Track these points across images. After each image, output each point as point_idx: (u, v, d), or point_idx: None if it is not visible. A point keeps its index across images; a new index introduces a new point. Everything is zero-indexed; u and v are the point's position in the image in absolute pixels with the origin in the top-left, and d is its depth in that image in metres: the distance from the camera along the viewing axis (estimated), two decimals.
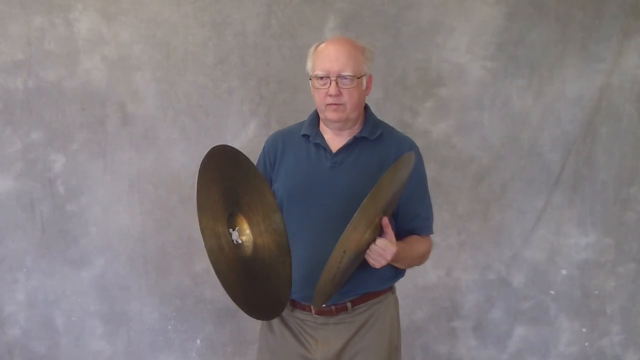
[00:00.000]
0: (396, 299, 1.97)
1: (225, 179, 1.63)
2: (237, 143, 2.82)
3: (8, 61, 2.80)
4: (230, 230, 1.63)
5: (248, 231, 1.68)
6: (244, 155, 1.71)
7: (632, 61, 2.75)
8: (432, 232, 1.92)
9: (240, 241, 1.65)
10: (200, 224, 1.49)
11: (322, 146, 1.84)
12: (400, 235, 1.82)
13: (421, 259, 1.90)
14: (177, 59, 2.80)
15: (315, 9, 2.75)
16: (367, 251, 1.66)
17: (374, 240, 1.66)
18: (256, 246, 1.68)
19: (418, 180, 1.87)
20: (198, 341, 2.97)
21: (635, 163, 2.81)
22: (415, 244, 1.84)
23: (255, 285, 1.66)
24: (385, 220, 1.66)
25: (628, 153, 2.81)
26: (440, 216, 2.86)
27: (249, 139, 2.81)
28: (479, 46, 2.77)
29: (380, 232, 1.68)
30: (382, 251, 1.65)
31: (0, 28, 2.77)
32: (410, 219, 1.86)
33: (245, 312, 1.59)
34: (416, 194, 1.86)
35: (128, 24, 2.78)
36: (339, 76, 1.74)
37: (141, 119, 2.84)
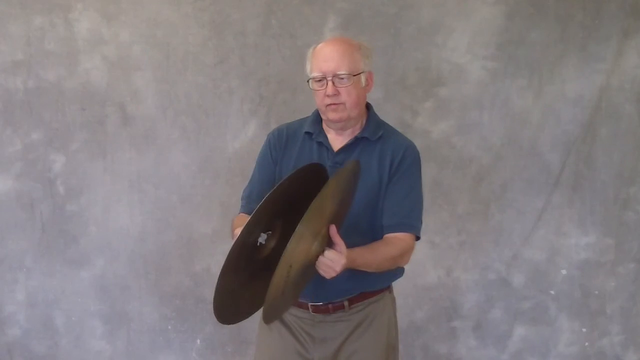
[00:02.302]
0: (393, 298, 1.97)
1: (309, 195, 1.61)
2: (237, 143, 2.82)
3: (8, 61, 2.80)
4: (263, 233, 1.62)
5: (273, 243, 1.65)
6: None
7: (632, 61, 2.75)
8: (413, 232, 1.82)
9: (262, 242, 1.63)
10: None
11: (325, 145, 1.84)
12: (381, 232, 1.80)
13: (393, 261, 1.81)
14: (177, 59, 2.80)
15: (315, 9, 2.75)
16: (317, 262, 1.62)
17: (323, 251, 1.61)
18: (268, 256, 1.66)
19: (404, 177, 1.81)
20: (198, 341, 2.97)
21: (635, 163, 2.81)
22: (381, 247, 1.78)
23: (242, 289, 1.65)
24: (333, 230, 1.61)
25: (628, 153, 2.81)
26: (440, 216, 2.87)
27: (249, 139, 2.81)
28: (479, 46, 2.77)
29: (330, 242, 1.63)
30: (331, 263, 1.60)
31: (0, 28, 2.77)
32: (389, 215, 1.81)
33: (215, 307, 1.56)
34: (397, 191, 1.81)
35: (128, 24, 2.78)
36: (334, 76, 1.74)
37: (141, 119, 2.84)
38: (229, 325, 2.94)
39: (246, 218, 1.82)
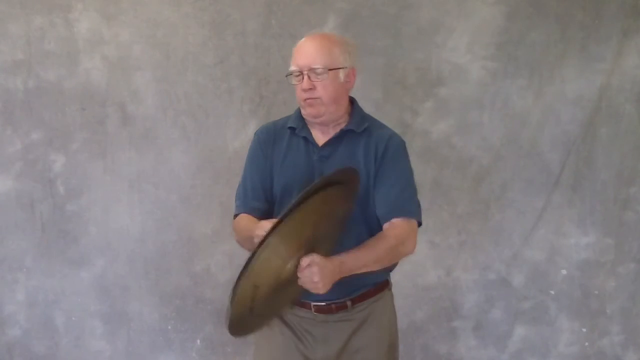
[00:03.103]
0: (392, 295, 1.96)
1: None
2: (237, 143, 2.82)
3: (8, 61, 2.80)
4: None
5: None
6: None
7: (632, 61, 2.75)
8: (407, 215, 1.77)
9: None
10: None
11: (309, 140, 1.84)
12: (375, 221, 1.79)
13: (394, 252, 1.76)
14: (177, 59, 2.80)
15: (315, 9, 2.75)
16: (298, 281, 1.60)
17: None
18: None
19: (390, 166, 1.79)
20: (198, 341, 2.97)
21: (635, 163, 2.81)
22: (376, 243, 1.74)
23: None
24: (305, 262, 1.57)
25: (628, 153, 2.81)
26: (440, 216, 2.86)
27: (249, 139, 2.78)
28: (479, 46, 2.77)
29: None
30: (308, 273, 1.58)
31: (0, 28, 2.77)
32: (380, 205, 1.78)
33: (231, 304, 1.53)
34: (385, 180, 1.78)
35: (128, 24, 2.78)
36: (310, 70, 1.74)
37: (141, 119, 2.84)
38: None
39: (249, 219, 1.83)
